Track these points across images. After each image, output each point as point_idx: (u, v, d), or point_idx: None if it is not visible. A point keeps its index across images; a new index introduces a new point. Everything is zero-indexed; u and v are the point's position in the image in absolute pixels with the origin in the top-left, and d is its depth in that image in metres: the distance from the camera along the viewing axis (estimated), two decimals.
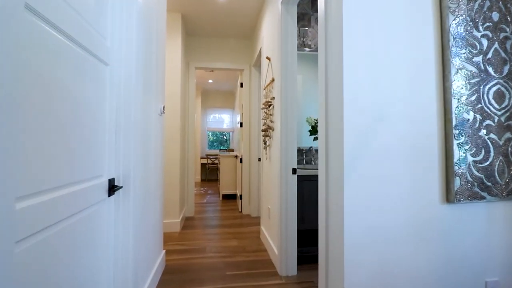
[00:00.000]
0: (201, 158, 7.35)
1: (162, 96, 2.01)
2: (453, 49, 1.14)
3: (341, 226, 1.07)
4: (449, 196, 1.12)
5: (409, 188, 1.10)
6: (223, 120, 7.81)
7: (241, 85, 3.91)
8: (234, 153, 5.03)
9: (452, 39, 1.15)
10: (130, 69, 1.34)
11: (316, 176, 2.17)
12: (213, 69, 3.81)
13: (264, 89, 2.62)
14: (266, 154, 2.55)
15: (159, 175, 1.98)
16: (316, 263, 2.18)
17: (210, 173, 7.65)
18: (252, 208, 3.67)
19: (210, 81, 6.30)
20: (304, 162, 2.66)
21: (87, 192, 1.01)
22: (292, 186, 2.02)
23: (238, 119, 4.48)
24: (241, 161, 3.85)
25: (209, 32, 3.57)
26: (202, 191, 5.72)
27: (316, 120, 2.67)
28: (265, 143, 2.51)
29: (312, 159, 2.70)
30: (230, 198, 4.93)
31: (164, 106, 1.95)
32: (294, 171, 2.02)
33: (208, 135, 7.87)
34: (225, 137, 8.05)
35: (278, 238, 2.05)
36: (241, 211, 3.87)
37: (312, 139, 2.75)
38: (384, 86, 1.10)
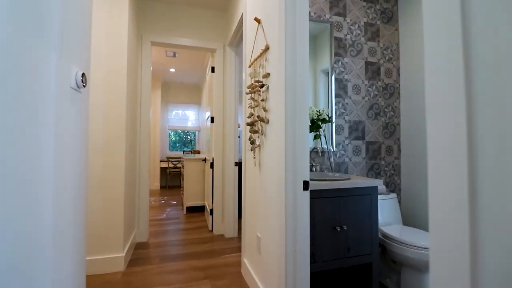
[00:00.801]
0: (161, 161, 6.28)
1: (79, 54, 1.12)
2: None
3: None
4: None
5: None
6: (188, 117, 6.83)
7: (213, 69, 3.09)
8: (202, 156, 4.17)
9: None
10: None
11: (334, 190, 1.48)
12: (177, 47, 2.93)
13: (250, 66, 1.86)
14: (254, 158, 1.79)
15: (75, 193, 1.09)
16: None
17: (171, 179, 6.61)
18: (226, 226, 2.87)
19: (172, 69, 5.33)
20: None
21: None
22: (303, 209, 1.29)
23: (207, 115, 3.64)
24: (211, 166, 3.03)
25: None
26: (161, 202, 4.72)
27: (319, 112, 1.99)
28: (252, 143, 1.75)
29: (313, 164, 2.01)
30: (197, 211, 4.05)
31: (84, 74, 1.08)
32: (305, 185, 1.30)
33: (170, 135, 6.82)
34: (189, 137, 7.07)
35: (279, 287, 1.31)
36: (211, 230, 3.04)
37: (313, 137, 2.07)
38: None
